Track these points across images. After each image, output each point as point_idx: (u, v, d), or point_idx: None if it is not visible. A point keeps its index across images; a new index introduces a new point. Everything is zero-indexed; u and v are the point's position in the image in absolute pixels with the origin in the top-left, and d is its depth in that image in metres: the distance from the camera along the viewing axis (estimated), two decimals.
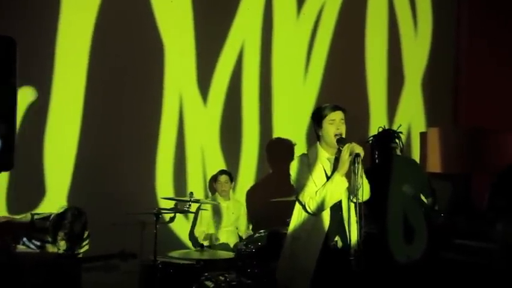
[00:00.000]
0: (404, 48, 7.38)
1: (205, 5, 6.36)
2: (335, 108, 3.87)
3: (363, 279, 3.74)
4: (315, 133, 3.96)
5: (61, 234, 4.80)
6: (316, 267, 3.74)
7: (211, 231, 6.04)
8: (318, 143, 3.94)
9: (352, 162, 3.66)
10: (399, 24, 7.36)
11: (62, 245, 4.81)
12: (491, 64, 7.16)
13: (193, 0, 6.31)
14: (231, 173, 6.25)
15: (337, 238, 3.83)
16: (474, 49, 7.39)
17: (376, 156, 4.99)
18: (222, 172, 6.19)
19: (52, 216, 4.90)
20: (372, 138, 5.14)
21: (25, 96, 5.49)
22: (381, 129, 5.15)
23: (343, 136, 3.82)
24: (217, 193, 6.20)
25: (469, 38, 7.46)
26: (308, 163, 3.89)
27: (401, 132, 5.11)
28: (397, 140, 5.02)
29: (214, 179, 6.23)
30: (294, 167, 3.92)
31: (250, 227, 6.30)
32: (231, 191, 6.26)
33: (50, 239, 4.89)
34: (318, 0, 6.91)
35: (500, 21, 7.22)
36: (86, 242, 5.09)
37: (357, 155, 3.64)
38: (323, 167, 3.86)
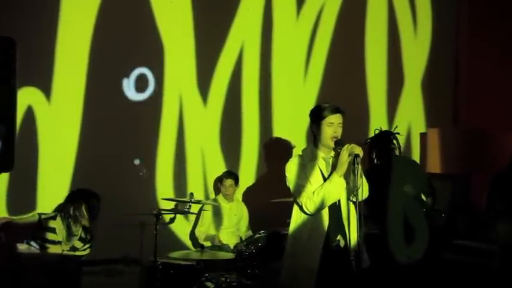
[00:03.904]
0: (404, 48, 7.37)
1: (205, 6, 6.35)
2: (335, 111, 3.86)
3: (365, 279, 3.74)
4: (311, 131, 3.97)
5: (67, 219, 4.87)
6: (319, 267, 3.74)
7: (213, 231, 6.03)
8: (312, 143, 3.95)
9: (352, 163, 3.68)
10: (399, 24, 7.34)
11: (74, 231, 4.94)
12: (491, 64, 7.15)
13: (193, 1, 6.31)
14: (237, 176, 6.18)
15: (339, 237, 3.83)
16: (474, 49, 7.38)
17: (374, 157, 4.99)
18: (228, 175, 6.10)
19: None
20: (369, 140, 5.14)
21: (25, 97, 5.48)
22: (377, 131, 5.16)
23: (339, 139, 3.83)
24: (220, 194, 6.17)
25: (469, 38, 7.45)
26: (303, 164, 3.89)
27: (398, 133, 5.11)
28: (395, 141, 5.03)
29: (220, 180, 6.18)
30: (289, 168, 3.92)
31: (250, 232, 6.24)
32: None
33: (56, 240, 4.93)
34: (318, 0, 6.90)
35: (500, 21, 7.20)
36: (89, 245, 5.10)
37: (357, 155, 3.67)
38: (319, 166, 3.86)
